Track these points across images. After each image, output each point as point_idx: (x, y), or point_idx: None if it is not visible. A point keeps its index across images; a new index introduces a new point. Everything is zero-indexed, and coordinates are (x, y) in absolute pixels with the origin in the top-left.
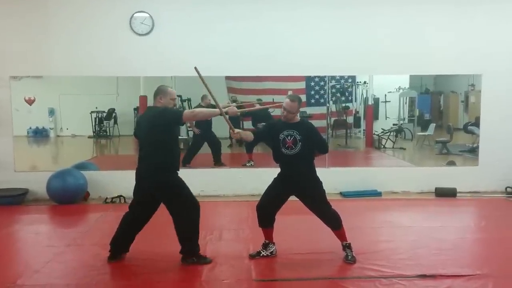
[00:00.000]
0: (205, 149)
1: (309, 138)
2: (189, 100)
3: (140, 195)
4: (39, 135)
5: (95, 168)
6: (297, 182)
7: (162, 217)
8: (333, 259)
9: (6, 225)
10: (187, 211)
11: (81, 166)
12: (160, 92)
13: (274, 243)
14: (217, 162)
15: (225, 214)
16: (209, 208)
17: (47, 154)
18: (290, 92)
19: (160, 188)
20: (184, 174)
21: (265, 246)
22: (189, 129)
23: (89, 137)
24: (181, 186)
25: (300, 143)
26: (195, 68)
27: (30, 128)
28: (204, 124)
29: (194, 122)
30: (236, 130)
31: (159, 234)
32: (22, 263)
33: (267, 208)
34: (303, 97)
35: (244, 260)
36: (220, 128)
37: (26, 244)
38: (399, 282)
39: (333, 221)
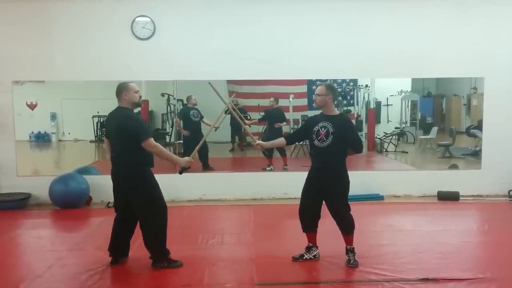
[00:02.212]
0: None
1: (342, 133)
2: None
3: (117, 193)
4: (41, 139)
5: (97, 173)
6: (325, 174)
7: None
8: (335, 263)
9: (8, 230)
10: (150, 215)
11: (83, 171)
12: (122, 89)
13: (317, 247)
14: (205, 166)
15: (226, 218)
16: (210, 212)
17: (49, 158)
18: (292, 96)
19: (129, 179)
20: (185, 178)
21: (308, 249)
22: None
23: (91, 141)
24: (150, 186)
25: (332, 136)
26: (210, 83)
27: (32, 132)
28: (192, 126)
29: (182, 124)
30: (257, 142)
31: None
32: (25, 268)
33: (309, 212)
34: (305, 101)
35: (246, 264)
36: (222, 131)
37: (29, 249)
38: (402, 285)
39: (346, 225)
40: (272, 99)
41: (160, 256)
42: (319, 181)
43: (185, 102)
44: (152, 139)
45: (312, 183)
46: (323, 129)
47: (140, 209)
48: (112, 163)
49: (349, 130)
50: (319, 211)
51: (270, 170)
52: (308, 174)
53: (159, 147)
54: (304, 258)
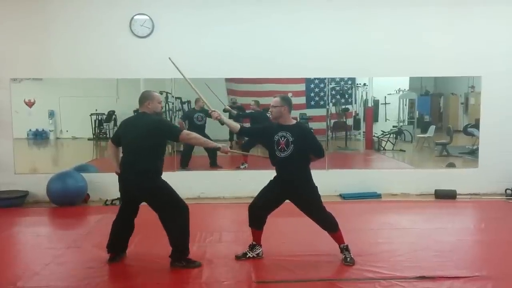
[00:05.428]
0: (203, 151)
1: (302, 141)
2: (189, 102)
3: (127, 198)
4: (39, 137)
5: (95, 170)
6: (291, 186)
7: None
8: (332, 261)
9: (6, 227)
10: (174, 215)
11: (81, 168)
12: (147, 97)
13: (261, 245)
14: (213, 164)
15: (224, 216)
16: (209, 210)
17: (47, 156)
18: (290, 94)
19: (147, 193)
20: (184, 176)
21: (251, 247)
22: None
23: (89, 139)
24: (168, 189)
25: (292, 145)
26: (169, 58)
27: (30, 130)
28: (195, 130)
29: (185, 126)
30: (214, 110)
31: (158, 236)
32: (22, 265)
33: (260, 210)
34: (303, 99)
35: (244, 262)
36: (221, 129)
37: (26, 246)
38: (399, 283)
39: (328, 225)
40: (252, 102)
41: (180, 256)
42: (285, 192)
43: (183, 100)
44: (183, 132)
45: (275, 189)
46: (282, 139)
47: (159, 211)
48: (123, 168)
49: (310, 138)
50: (269, 213)
51: (244, 168)
52: (272, 180)
53: (194, 134)
54: (247, 256)
